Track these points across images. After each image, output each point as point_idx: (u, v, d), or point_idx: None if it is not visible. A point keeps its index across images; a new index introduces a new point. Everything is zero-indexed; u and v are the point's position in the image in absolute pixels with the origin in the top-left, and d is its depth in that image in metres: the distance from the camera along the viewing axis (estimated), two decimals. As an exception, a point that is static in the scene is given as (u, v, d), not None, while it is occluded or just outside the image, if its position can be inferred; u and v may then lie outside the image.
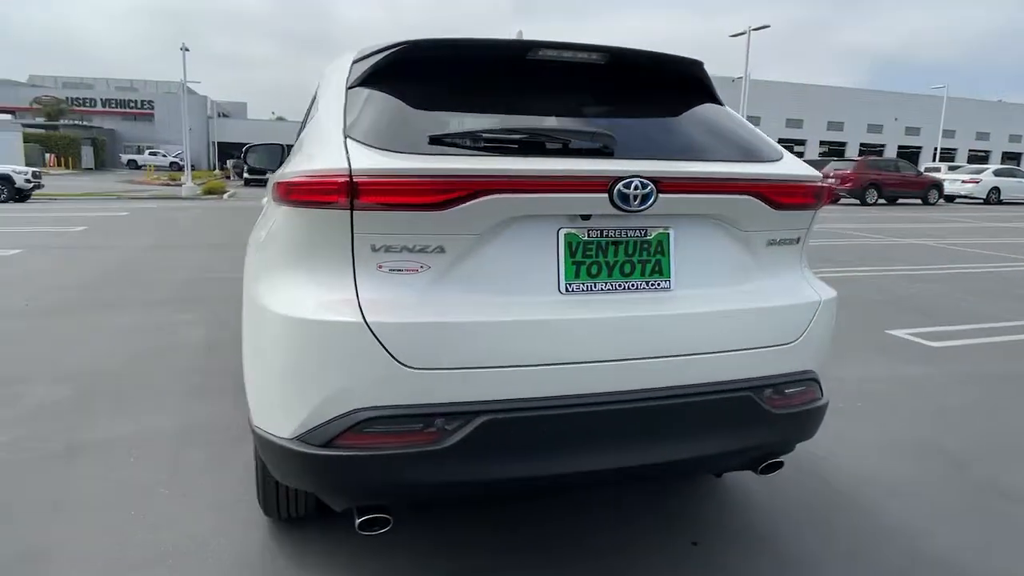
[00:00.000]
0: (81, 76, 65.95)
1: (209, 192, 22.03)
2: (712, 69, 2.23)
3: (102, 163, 47.36)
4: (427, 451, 1.65)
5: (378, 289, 1.67)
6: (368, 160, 1.65)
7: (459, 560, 2.22)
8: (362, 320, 1.61)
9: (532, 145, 1.80)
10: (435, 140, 1.73)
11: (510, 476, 1.76)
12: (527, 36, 2.06)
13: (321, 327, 1.63)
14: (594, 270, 1.81)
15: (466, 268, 1.71)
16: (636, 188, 1.73)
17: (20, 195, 16.97)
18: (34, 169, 18.54)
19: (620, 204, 1.73)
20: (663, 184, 1.77)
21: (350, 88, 1.94)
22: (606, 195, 1.72)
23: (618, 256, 1.83)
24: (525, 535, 2.37)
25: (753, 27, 28.30)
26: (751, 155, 2.02)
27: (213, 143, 53.74)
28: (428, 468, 1.68)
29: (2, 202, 16.46)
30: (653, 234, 1.85)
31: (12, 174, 16.87)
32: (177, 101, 37.66)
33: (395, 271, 1.68)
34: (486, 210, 1.67)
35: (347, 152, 1.68)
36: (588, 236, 1.80)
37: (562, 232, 1.77)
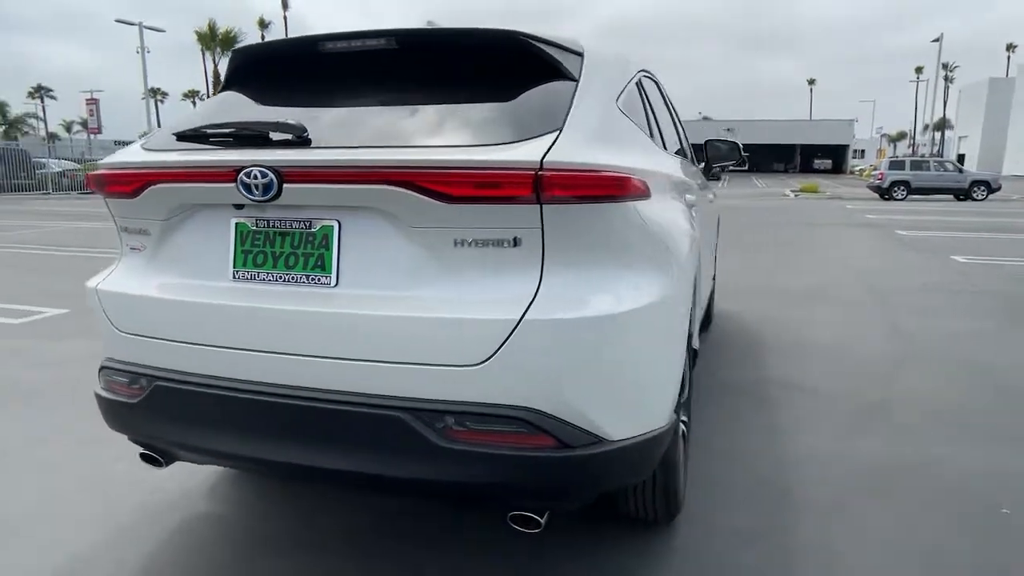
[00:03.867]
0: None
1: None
2: None
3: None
4: (128, 403, 1.96)
5: (126, 263, 2.07)
6: (115, 156, 2.06)
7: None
8: (94, 287, 2.04)
9: (241, 138, 1.82)
10: (181, 138, 1.93)
11: (186, 443, 1.95)
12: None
13: (88, 291, 2.09)
14: (260, 259, 1.83)
15: (167, 250, 1.96)
16: (255, 178, 1.70)
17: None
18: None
19: (246, 194, 1.72)
20: (288, 174, 1.70)
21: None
22: (234, 185, 1.72)
23: (284, 247, 1.81)
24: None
25: None
26: (482, 136, 1.70)
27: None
28: (132, 420, 2.00)
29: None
30: (317, 226, 1.77)
31: None
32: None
33: (132, 248, 2.05)
34: (158, 198, 1.89)
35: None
36: (257, 226, 1.83)
37: (233, 221, 1.85)
